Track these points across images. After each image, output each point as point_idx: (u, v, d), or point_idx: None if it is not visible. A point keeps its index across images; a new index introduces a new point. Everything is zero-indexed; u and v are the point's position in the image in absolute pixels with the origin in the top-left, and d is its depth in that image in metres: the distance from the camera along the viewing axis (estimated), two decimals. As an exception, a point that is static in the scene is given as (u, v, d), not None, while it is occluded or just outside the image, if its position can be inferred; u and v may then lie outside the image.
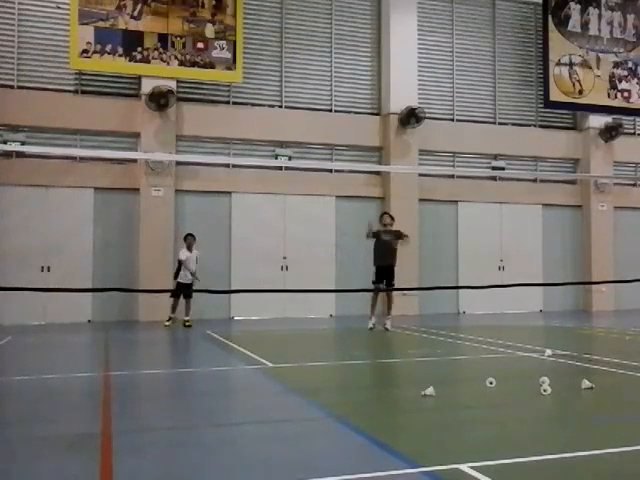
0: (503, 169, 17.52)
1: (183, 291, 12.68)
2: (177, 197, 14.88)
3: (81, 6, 14.08)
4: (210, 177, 15.20)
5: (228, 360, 8.49)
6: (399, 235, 12.12)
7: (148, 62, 14.57)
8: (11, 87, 14.27)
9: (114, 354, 9.22)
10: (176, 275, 12.97)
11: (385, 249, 12.00)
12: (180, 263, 12.89)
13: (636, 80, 18.53)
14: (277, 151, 15.83)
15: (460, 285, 16.57)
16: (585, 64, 18.00)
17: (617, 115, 18.26)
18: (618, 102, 18.27)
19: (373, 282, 12.12)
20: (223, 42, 15.10)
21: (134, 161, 14.74)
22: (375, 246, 12.11)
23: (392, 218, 12.37)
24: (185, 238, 13.11)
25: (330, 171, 16.25)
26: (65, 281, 13.36)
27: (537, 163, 18.19)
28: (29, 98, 14.17)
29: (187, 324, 12.74)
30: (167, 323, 12.76)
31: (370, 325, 11.88)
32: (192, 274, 12.79)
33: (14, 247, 13.80)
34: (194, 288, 12.93)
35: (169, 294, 12.97)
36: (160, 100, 14.36)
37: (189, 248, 12.98)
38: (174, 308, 12.85)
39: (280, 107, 16.08)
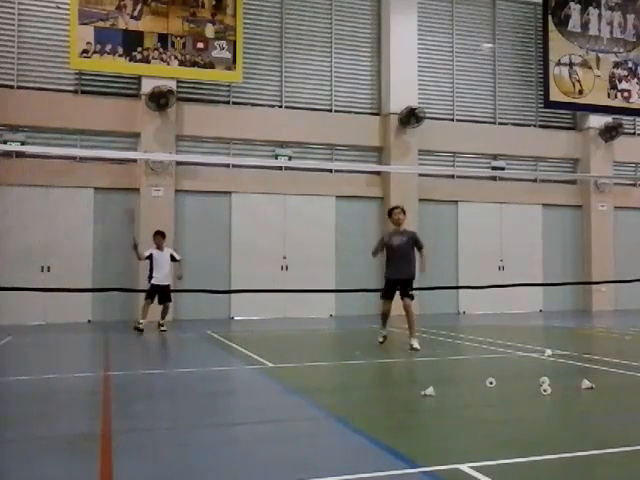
0: (503, 169, 17.52)
1: (158, 294, 11.53)
2: (177, 197, 14.89)
3: (81, 6, 14.08)
4: (210, 177, 15.20)
5: (228, 360, 8.49)
6: (416, 240, 9.30)
7: (148, 62, 14.57)
8: (11, 87, 14.27)
9: (114, 354, 9.22)
10: (150, 277, 11.79)
11: (398, 257, 9.19)
12: (139, 257, 11.79)
13: (636, 80, 18.53)
14: (277, 151, 15.83)
15: (460, 285, 16.57)
16: (585, 64, 18.00)
17: (617, 115, 18.26)
18: (618, 102, 18.28)
19: (381, 296, 9.66)
20: (223, 42, 15.10)
21: (134, 161, 14.75)
22: (386, 254, 9.39)
23: (404, 212, 9.51)
24: (154, 237, 11.97)
25: (330, 171, 16.25)
26: (65, 281, 13.36)
27: (537, 163, 18.19)
28: (29, 98, 14.17)
29: (162, 329, 11.76)
30: (139, 326, 11.46)
31: (380, 339, 9.52)
32: (178, 275, 11.90)
33: (14, 247, 13.81)
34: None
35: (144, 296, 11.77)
36: (160, 100, 14.36)
37: (159, 247, 11.89)
38: (145, 313, 11.55)
39: (280, 107, 16.09)
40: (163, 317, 12.01)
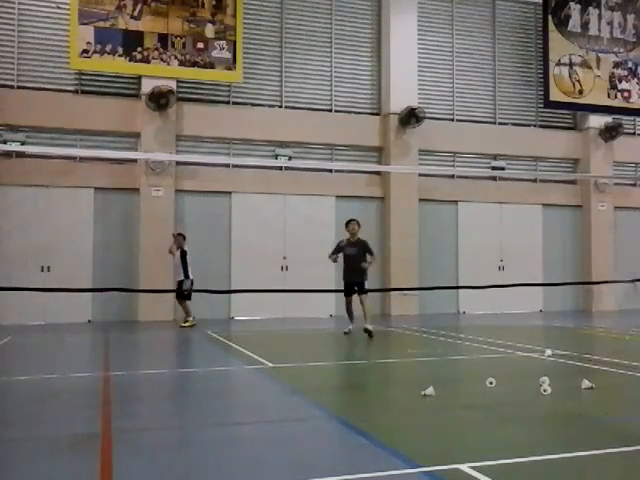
0: (503, 169, 17.52)
1: (175, 291, 12.85)
2: (177, 197, 14.88)
3: (81, 6, 14.08)
4: (210, 177, 15.20)
5: (228, 360, 8.49)
6: (367, 248, 11.04)
7: (148, 62, 14.57)
8: (11, 87, 14.27)
9: (114, 354, 9.22)
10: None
11: (350, 265, 10.97)
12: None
13: (636, 80, 18.53)
14: (277, 151, 15.83)
15: (460, 285, 16.57)
16: (585, 64, 18.00)
17: (617, 115, 18.26)
18: (618, 102, 18.28)
19: (345, 294, 11.20)
20: (223, 42, 15.10)
21: (134, 161, 14.74)
22: (343, 260, 11.17)
23: (359, 225, 11.27)
24: (177, 237, 13.21)
25: (330, 171, 16.25)
26: (65, 281, 13.35)
27: (537, 163, 18.19)
28: (29, 98, 14.17)
29: (181, 325, 12.75)
30: (189, 323, 12.80)
31: (346, 330, 11.15)
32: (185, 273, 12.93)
33: (14, 247, 13.81)
34: (192, 288, 12.92)
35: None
36: (160, 100, 14.36)
37: (178, 248, 13.06)
38: (187, 311, 12.94)
39: (280, 107, 16.09)
40: (184, 314, 12.99)
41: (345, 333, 11.10)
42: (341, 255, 11.20)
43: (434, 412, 5.19)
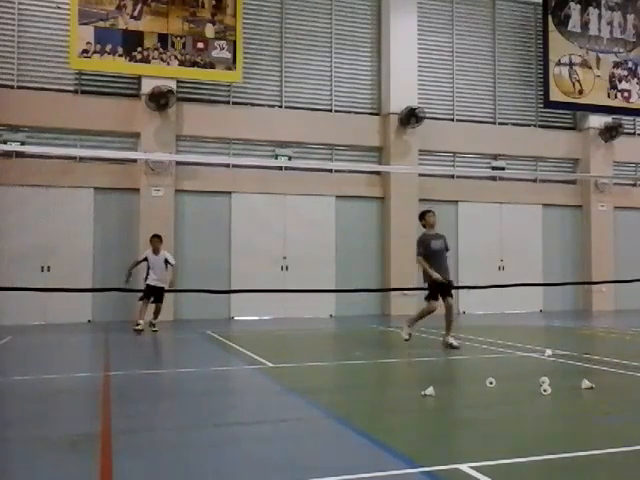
0: (503, 169, 17.53)
1: (152, 294, 11.42)
2: (177, 197, 14.89)
3: (81, 6, 14.08)
4: (210, 177, 15.21)
5: (228, 360, 8.49)
6: (446, 242, 9.58)
7: (148, 62, 14.57)
8: (11, 87, 14.28)
9: (114, 354, 9.22)
10: (145, 278, 11.75)
11: (441, 259, 9.32)
12: (138, 263, 11.79)
13: (636, 80, 18.53)
14: (277, 151, 15.84)
15: (460, 285, 16.57)
16: (585, 64, 18.00)
17: (617, 115, 18.27)
18: (618, 102, 18.28)
19: (427, 299, 9.44)
20: (223, 42, 15.10)
21: (134, 161, 14.75)
22: (427, 258, 9.22)
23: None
24: (150, 240, 11.87)
25: (330, 171, 16.25)
26: (65, 281, 13.34)
27: (537, 163, 18.19)
28: (29, 98, 14.17)
29: (153, 329, 11.70)
30: (137, 327, 11.32)
31: (405, 336, 9.64)
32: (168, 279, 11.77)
33: (14, 247, 13.81)
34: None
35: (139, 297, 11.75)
36: (160, 100, 14.37)
37: (155, 251, 11.72)
38: (142, 313, 11.48)
39: (280, 107, 16.09)
40: (155, 317, 11.89)
41: (406, 340, 9.59)
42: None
43: (434, 412, 5.19)
